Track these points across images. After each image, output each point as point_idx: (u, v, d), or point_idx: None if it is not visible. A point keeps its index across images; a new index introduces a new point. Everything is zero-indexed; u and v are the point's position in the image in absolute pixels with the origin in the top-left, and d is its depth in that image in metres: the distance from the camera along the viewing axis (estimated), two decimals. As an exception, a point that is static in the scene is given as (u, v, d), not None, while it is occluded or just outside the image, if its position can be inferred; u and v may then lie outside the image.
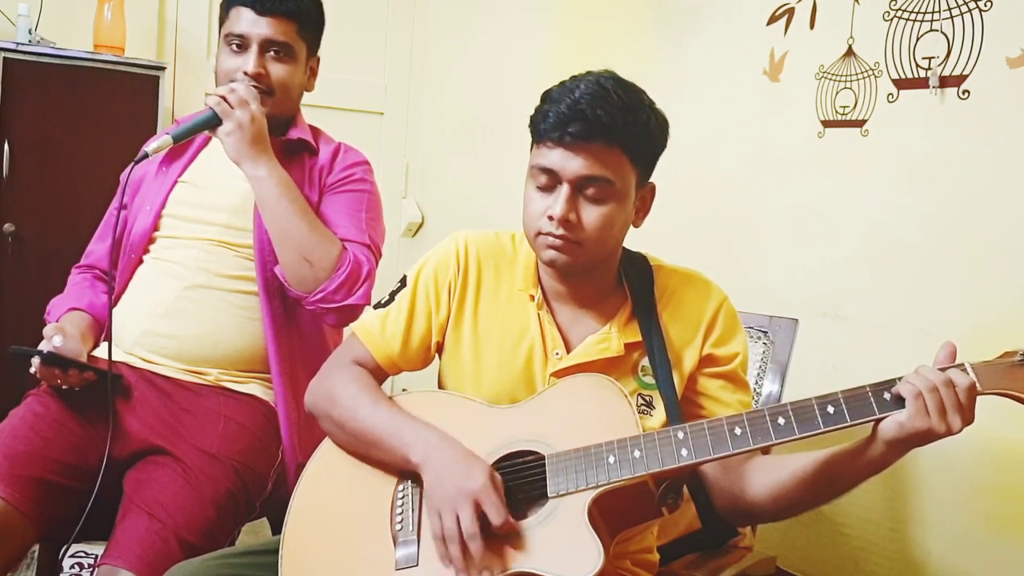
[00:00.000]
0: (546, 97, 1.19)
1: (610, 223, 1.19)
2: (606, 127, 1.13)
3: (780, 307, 1.85)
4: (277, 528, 1.49)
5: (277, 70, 1.65)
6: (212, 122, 1.57)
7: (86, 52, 2.62)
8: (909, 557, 1.91)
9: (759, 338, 1.72)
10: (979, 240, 1.80)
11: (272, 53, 1.65)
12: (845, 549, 2.03)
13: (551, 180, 1.18)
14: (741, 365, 1.27)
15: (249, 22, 1.62)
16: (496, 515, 1.07)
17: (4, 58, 2.46)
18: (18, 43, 2.51)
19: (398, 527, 1.16)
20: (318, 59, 1.77)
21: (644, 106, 1.18)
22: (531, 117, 1.20)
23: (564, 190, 1.16)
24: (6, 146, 2.48)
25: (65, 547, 1.45)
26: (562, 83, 1.19)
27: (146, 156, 1.52)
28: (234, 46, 1.64)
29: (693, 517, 1.29)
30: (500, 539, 1.09)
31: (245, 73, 1.62)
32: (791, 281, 2.16)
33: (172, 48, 2.99)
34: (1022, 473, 1.73)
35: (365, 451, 1.24)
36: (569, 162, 1.15)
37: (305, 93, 1.78)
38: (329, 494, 1.24)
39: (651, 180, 1.25)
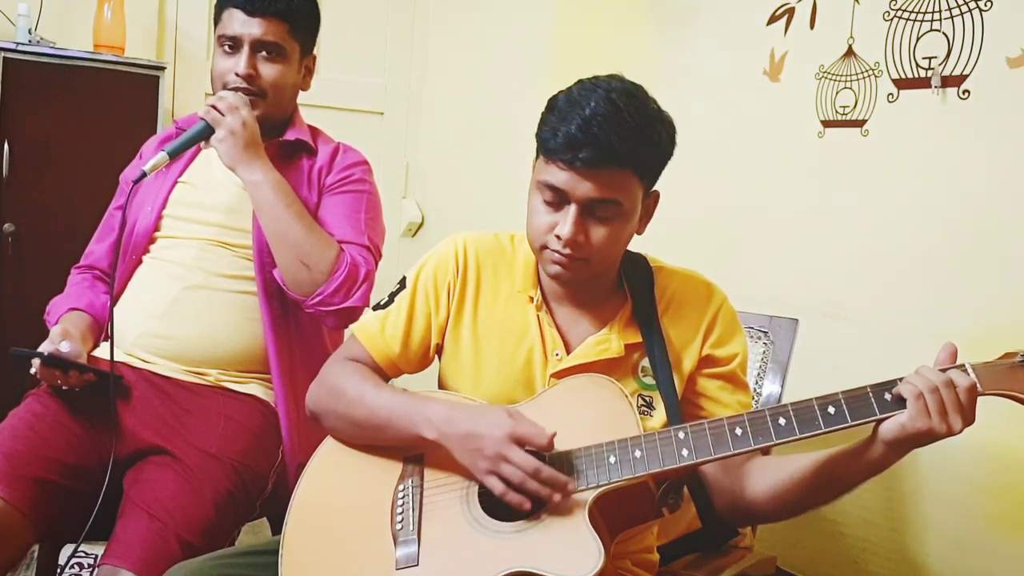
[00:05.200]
0: (553, 107, 1.17)
1: (617, 240, 1.19)
2: (618, 153, 1.12)
3: (780, 307, 1.85)
4: (277, 528, 1.49)
5: (268, 71, 1.65)
6: (205, 132, 1.58)
7: (86, 52, 2.62)
8: (909, 557, 1.91)
9: (759, 338, 1.72)
10: (979, 240, 1.81)
11: (264, 54, 1.64)
12: (845, 549, 2.03)
13: (559, 198, 1.16)
14: (740, 366, 1.27)
15: (240, 23, 1.62)
16: (539, 439, 1.09)
17: (4, 58, 2.46)
18: (18, 43, 2.51)
19: (398, 526, 1.16)
20: (314, 58, 1.77)
21: (654, 121, 1.16)
22: (538, 127, 1.18)
23: (572, 211, 1.15)
24: (6, 146, 2.48)
25: (74, 547, 1.45)
26: (569, 91, 1.17)
27: (144, 175, 1.54)
28: (227, 47, 1.64)
29: (693, 517, 1.29)
30: (500, 539, 1.09)
31: (237, 74, 1.62)
32: (791, 281, 2.16)
33: (172, 48, 2.99)
34: (1022, 473, 1.73)
35: (374, 436, 1.24)
36: (579, 185, 1.14)
37: (304, 93, 1.78)
38: (329, 494, 1.24)
39: (655, 188, 1.24)
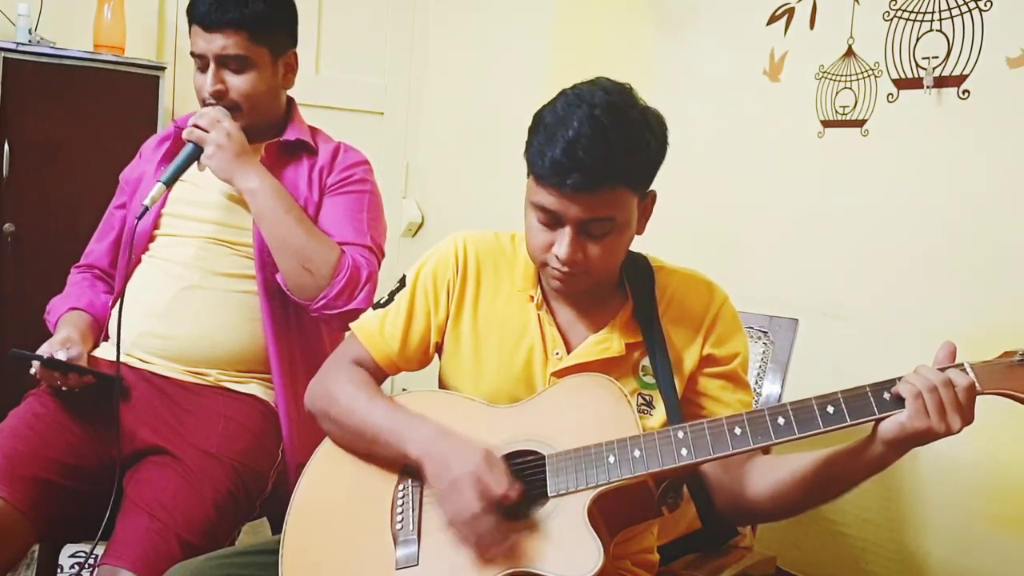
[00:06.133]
0: (538, 125, 1.15)
1: (616, 251, 1.19)
2: (607, 174, 1.10)
3: (780, 307, 1.85)
4: (277, 528, 1.49)
5: (236, 83, 1.63)
6: (195, 154, 1.59)
7: (86, 52, 2.62)
8: (908, 557, 1.91)
9: (759, 338, 1.72)
10: (979, 240, 1.81)
11: (229, 67, 1.63)
12: (845, 549, 2.03)
13: (552, 219, 1.15)
14: (741, 365, 1.27)
15: (203, 40, 1.62)
16: (496, 486, 1.08)
17: (4, 58, 2.46)
18: (18, 43, 2.51)
19: (398, 526, 1.16)
20: (295, 54, 1.73)
21: (642, 131, 1.13)
22: (526, 146, 1.17)
23: (567, 232, 1.14)
24: (6, 146, 2.48)
25: (91, 547, 1.45)
26: (554, 107, 1.14)
27: (146, 209, 1.55)
28: (198, 65, 1.65)
29: (693, 517, 1.29)
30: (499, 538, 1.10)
31: (208, 92, 1.63)
32: (791, 281, 2.16)
33: (172, 48, 2.99)
34: (1021, 473, 1.73)
35: (366, 448, 1.24)
36: (570, 208, 1.12)
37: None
38: (329, 493, 1.24)
39: (651, 189, 1.23)
